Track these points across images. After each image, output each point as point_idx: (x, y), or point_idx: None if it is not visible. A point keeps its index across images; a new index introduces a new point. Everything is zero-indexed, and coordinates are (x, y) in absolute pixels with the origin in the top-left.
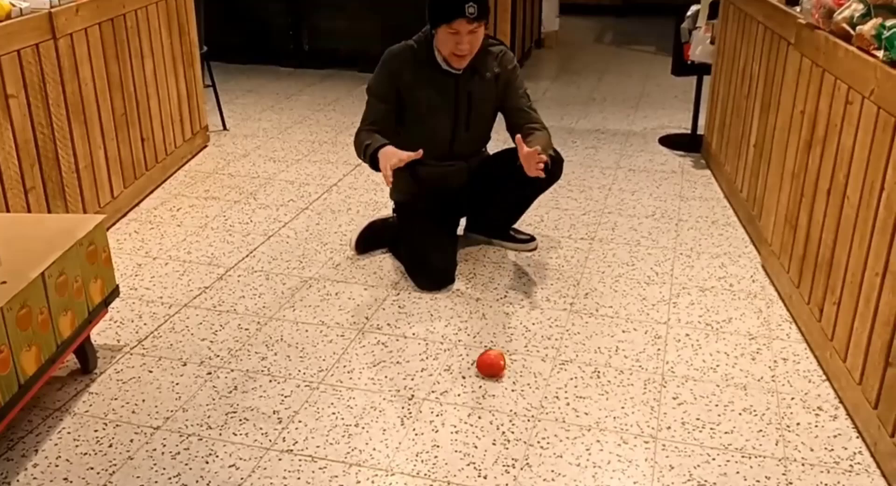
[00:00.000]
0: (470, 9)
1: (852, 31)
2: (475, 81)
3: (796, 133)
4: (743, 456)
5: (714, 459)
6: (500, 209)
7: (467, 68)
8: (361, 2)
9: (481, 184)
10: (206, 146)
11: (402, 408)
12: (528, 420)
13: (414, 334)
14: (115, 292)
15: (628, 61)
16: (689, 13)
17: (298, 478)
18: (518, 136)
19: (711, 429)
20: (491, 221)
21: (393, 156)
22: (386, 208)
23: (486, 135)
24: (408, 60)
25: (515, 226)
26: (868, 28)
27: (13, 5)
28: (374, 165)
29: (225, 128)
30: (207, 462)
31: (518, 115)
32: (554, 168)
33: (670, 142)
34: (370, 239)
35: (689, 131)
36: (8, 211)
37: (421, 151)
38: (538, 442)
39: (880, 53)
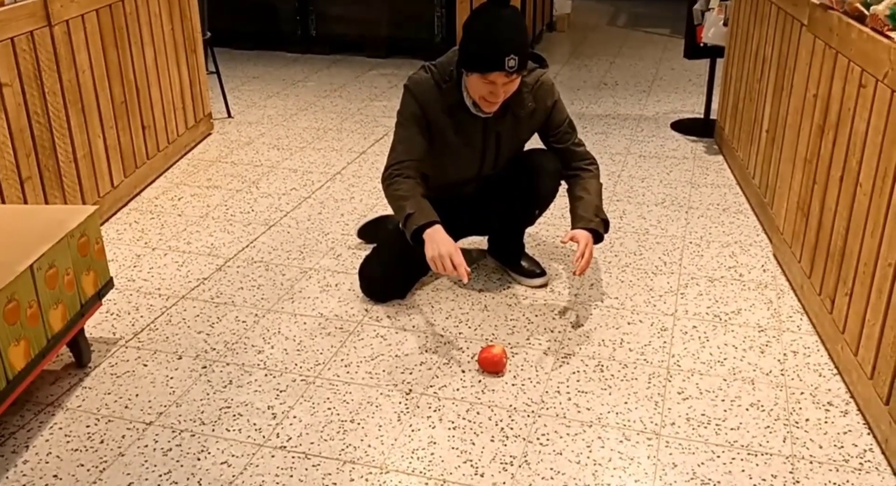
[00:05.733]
0: (510, 62)
1: (866, 12)
2: (506, 120)
3: (809, 117)
4: (749, 454)
5: (719, 456)
6: (500, 222)
7: (498, 108)
8: None
9: (491, 192)
10: (209, 134)
11: (400, 403)
12: (528, 416)
13: (414, 326)
14: (109, 285)
15: (642, 44)
16: None
17: (291, 476)
18: (568, 235)
19: (717, 425)
20: (500, 238)
21: (447, 253)
22: None
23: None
24: (434, 99)
25: (536, 258)
26: (882, 8)
27: None
28: (415, 239)
29: (229, 115)
30: (199, 459)
31: (561, 153)
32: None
33: (683, 127)
34: (372, 232)
35: (702, 116)
36: (3, 202)
37: (467, 280)
38: (537, 439)
39: (895, 34)
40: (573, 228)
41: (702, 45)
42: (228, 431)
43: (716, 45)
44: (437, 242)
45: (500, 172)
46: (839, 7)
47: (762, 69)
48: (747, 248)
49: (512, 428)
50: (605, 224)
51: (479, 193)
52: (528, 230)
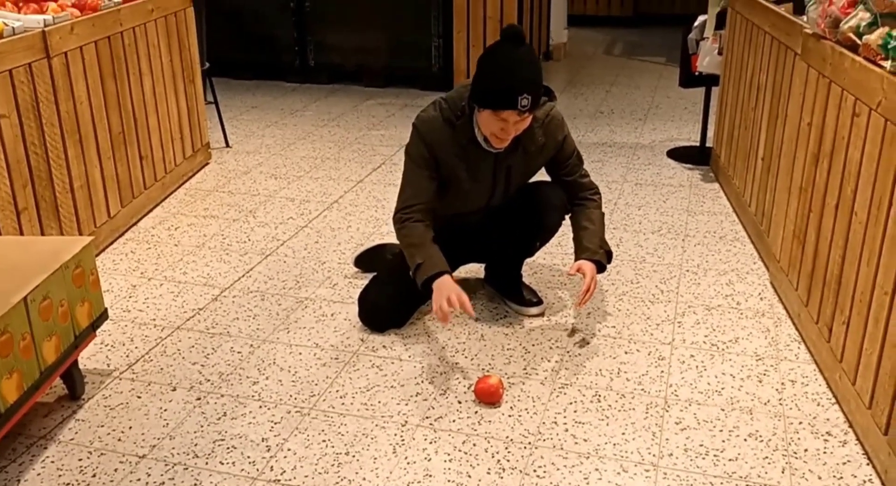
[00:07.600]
0: (523, 101)
1: (859, 41)
2: (517, 154)
3: (803, 146)
4: (747, 485)
5: None
6: (502, 251)
7: (509, 142)
8: (367, 17)
9: (495, 222)
10: (207, 164)
11: (395, 435)
12: (525, 447)
13: (410, 356)
14: (103, 316)
15: (638, 73)
16: (696, 23)
17: None
18: (574, 266)
19: (715, 456)
20: (498, 267)
21: (456, 295)
22: (387, 224)
23: None
24: (444, 138)
25: (533, 288)
26: (875, 37)
27: (6, 24)
28: (424, 288)
29: (227, 145)
30: None
31: (568, 185)
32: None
33: (679, 155)
34: (369, 261)
35: (697, 144)
36: None
37: (473, 313)
38: (534, 471)
39: (887, 64)
40: (577, 258)
41: (697, 73)
42: (222, 464)
43: (711, 73)
44: (445, 291)
45: (506, 202)
46: (832, 37)
47: (757, 98)
48: (744, 276)
49: (508, 460)
50: (609, 255)
51: (483, 222)
52: (526, 260)
